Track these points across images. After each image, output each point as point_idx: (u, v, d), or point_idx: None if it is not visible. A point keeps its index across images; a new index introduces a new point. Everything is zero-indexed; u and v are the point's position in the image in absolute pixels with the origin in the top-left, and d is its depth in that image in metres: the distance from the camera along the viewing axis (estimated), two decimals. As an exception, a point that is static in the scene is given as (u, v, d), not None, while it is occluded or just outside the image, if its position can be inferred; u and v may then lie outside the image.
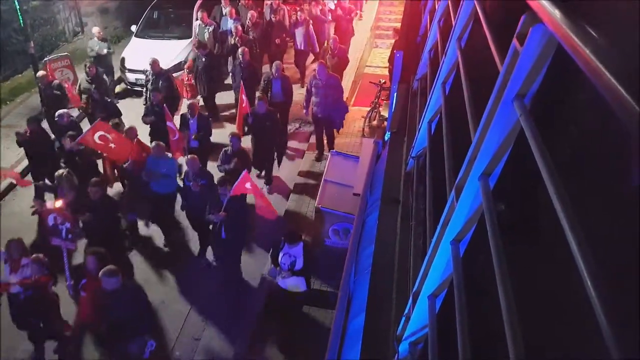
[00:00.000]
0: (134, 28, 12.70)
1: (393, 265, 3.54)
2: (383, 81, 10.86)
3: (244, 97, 8.91)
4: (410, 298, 2.61)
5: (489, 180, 1.87)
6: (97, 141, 7.58)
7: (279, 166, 9.59)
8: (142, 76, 11.54)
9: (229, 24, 12.16)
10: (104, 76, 10.47)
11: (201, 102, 10.96)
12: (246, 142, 8.83)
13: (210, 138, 8.89)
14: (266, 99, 8.65)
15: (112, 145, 7.67)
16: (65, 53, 11.88)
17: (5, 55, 12.03)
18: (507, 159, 1.84)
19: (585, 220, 1.15)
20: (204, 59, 10.67)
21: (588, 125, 1.56)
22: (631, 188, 1.18)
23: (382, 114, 10.45)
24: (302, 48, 12.22)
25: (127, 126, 8.73)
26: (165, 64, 11.42)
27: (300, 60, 12.57)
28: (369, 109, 10.89)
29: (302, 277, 5.99)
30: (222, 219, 6.50)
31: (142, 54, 11.43)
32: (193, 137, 8.48)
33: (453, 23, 3.42)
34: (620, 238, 1.21)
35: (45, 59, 11.41)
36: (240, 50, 10.11)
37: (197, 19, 12.38)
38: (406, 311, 2.68)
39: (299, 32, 11.99)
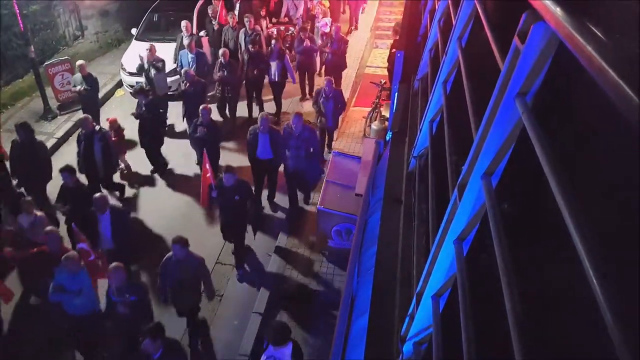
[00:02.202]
0: (134, 31, 12.71)
1: (396, 265, 3.53)
2: (384, 81, 10.85)
3: (207, 166, 7.51)
4: (414, 298, 2.60)
5: (491, 178, 1.86)
6: None
7: (254, 236, 8.01)
8: (143, 79, 11.55)
9: (188, 58, 10.55)
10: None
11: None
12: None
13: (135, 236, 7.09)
14: (233, 169, 7.00)
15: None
16: (66, 57, 11.91)
17: (5, 59, 12.05)
18: (510, 158, 1.84)
19: (590, 218, 1.14)
20: (144, 108, 8.84)
21: (590, 123, 1.56)
22: (634, 185, 1.17)
23: (383, 114, 10.45)
24: (276, 79, 10.83)
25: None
26: (166, 67, 11.40)
27: (276, 93, 11.16)
28: (369, 109, 10.89)
29: None
30: None
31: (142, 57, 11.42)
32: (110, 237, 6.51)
33: (453, 22, 3.42)
34: (625, 235, 1.21)
35: (46, 63, 11.43)
36: (201, 107, 8.42)
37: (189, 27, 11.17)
38: (410, 311, 2.68)
39: (274, 64, 10.71)
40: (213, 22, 12.30)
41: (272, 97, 11.20)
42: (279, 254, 7.97)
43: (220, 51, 10.27)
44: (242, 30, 11.40)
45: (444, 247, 2.19)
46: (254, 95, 11.11)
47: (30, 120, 11.03)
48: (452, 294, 2.28)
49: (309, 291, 7.26)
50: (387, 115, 9.21)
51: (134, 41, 12.51)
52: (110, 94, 12.20)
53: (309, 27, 12.07)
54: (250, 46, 10.70)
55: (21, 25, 10.61)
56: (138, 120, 9.04)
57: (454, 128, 2.87)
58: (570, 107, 1.71)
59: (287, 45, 12.33)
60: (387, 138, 6.30)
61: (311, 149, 8.03)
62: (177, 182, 9.45)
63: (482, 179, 1.87)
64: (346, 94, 12.31)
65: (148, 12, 13.01)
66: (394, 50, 9.58)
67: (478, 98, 2.35)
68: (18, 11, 10.42)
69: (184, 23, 11.16)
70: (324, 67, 12.18)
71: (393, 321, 3.07)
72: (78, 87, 9.76)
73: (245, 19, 11.37)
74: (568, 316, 1.52)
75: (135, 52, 12.00)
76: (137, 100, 9.15)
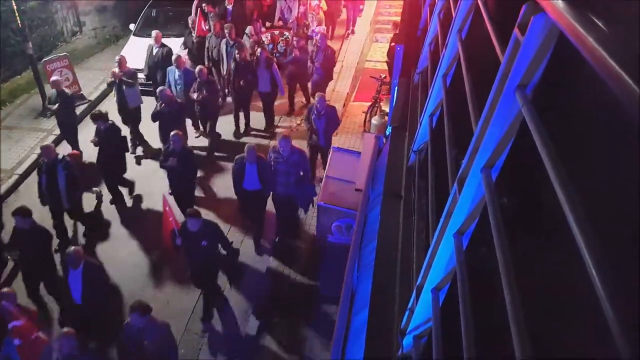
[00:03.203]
0: (132, 27, 12.69)
1: (396, 260, 3.53)
2: (384, 76, 10.84)
3: (167, 209, 6.50)
4: (414, 291, 2.60)
5: (491, 172, 1.85)
6: None
7: (230, 286, 7.35)
8: (141, 75, 11.53)
9: (175, 76, 9.73)
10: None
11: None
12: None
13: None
14: (197, 213, 6.43)
15: None
16: (64, 53, 11.87)
17: (3, 56, 12.02)
18: (510, 151, 1.83)
19: (590, 211, 1.14)
20: (102, 133, 8.04)
21: (591, 115, 1.55)
22: (636, 178, 1.16)
23: (383, 108, 10.44)
24: (267, 90, 10.27)
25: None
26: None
27: (268, 105, 10.68)
28: (369, 104, 10.87)
29: None
30: None
31: (140, 52, 11.39)
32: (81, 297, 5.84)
33: (453, 15, 3.41)
34: (626, 229, 1.20)
35: (44, 59, 11.40)
36: (172, 134, 7.53)
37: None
38: (410, 305, 2.68)
39: (263, 74, 10.12)
40: (192, 34, 11.68)
41: (260, 111, 10.66)
42: (278, 250, 7.98)
43: (197, 69, 9.46)
44: (224, 40, 10.69)
45: (443, 241, 2.18)
46: (242, 108, 10.53)
47: (29, 117, 11.08)
48: (452, 288, 2.28)
49: (309, 287, 7.27)
50: (387, 109, 9.20)
51: (132, 37, 12.50)
52: (109, 91, 12.16)
53: (302, 34, 11.56)
54: (236, 53, 10.06)
55: (19, 22, 10.57)
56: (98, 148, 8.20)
57: (454, 122, 2.86)
58: (571, 99, 1.70)
59: (283, 49, 12.01)
60: (387, 132, 6.29)
61: (301, 173, 7.57)
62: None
63: (482, 172, 1.87)
64: (345, 89, 12.33)
65: (146, 8, 13.00)
66: (393, 44, 9.56)
67: (478, 91, 2.34)
68: (15, 7, 10.39)
69: (153, 33, 10.52)
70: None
71: (393, 315, 3.07)
72: (55, 106, 9.04)
73: (226, 30, 10.65)
74: (568, 311, 1.52)
75: (133, 48, 11.98)
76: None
